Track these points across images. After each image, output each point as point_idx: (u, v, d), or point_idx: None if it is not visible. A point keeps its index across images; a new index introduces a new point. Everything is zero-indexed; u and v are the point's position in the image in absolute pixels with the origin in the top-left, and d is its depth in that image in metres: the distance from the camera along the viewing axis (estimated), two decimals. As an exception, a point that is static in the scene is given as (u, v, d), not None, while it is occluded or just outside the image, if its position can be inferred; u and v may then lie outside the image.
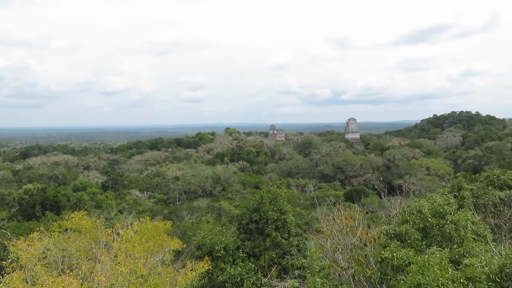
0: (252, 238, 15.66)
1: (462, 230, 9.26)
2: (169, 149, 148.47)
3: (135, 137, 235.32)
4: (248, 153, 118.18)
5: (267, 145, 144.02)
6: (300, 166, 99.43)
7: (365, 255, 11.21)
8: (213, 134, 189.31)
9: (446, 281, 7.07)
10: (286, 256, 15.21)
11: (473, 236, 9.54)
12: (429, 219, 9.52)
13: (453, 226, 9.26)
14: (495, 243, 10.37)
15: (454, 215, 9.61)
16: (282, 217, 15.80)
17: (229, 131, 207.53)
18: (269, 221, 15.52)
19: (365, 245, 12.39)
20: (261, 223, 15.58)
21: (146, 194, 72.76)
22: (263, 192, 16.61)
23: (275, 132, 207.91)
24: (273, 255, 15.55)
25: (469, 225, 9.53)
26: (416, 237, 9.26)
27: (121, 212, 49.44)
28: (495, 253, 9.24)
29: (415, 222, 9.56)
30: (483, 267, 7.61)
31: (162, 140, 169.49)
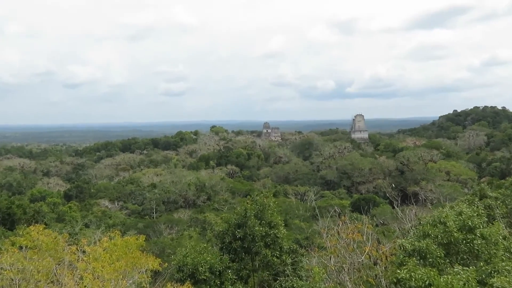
0: (237, 259, 15.26)
1: (493, 247, 9.07)
2: (145, 151, 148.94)
3: (104, 137, 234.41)
4: (237, 155, 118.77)
5: (260, 146, 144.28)
6: (299, 171, 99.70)
7: (375, 275, 10.97)
8: (196, 133, 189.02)
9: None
10: (279, 278, 14.87)
11: (504, 253, 9.35)
12: (455, 233, 9.33)
13: (483, 242, 9.07)
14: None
15: (484, 228, 9.42)
16: (272, 231, 15.45)
17: (215, 129, 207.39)
18: (256, 238, 15.20)
19: (375, 263, 12.08)
20: (246, 240, 15.22)
21: (117, 204, 72.28)
22: (247, 203, 16.28)
23: (269, 131, 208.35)
24: (264, 276, 15.18)
25: (500, 241, 9.32)
26: (438, 254, 9.05)
27: (87, 226, 49.06)
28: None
29: (437, 237, 9.36)
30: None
31: (136, 140, 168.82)
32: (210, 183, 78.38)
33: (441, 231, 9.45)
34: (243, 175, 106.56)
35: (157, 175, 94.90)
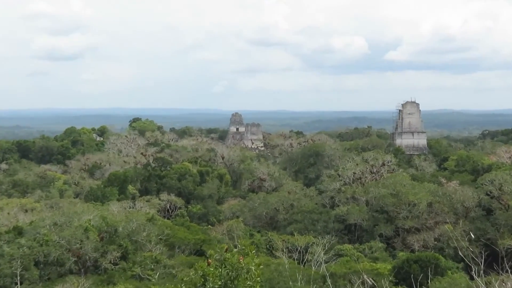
0: None
1: None
2: (4, 164, 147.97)
3: None
4: (181, 175, 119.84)
5: (224, 158, 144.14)
6: (297, 206, 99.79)
7: None
8: (103, 132, 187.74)
9: None
10: None
11: None
12: None
13: None
14: None
15: None
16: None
17: (139, 125, 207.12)
18: None
19: None
20: None
21: None
22: (210, 268, 16.53)
23: (241, 129, 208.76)
24: None
25: None
26: None
27: None
28: None
29: None
30: None
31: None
32: (128, 228, 77.28)
33: None
34: (191, 212, 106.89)
35: (26, 211, 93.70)
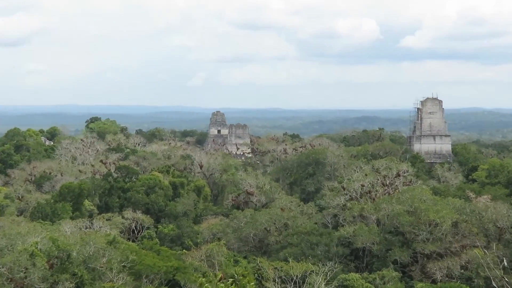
0: None
1: None
2: None
3: None
4: (150, 188, 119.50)
5: (203, 167, 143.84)
6: (293, 226, 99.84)
7: None
8: (54, 134, 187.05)
9: None
10: None
11: None
12: None
13: None
14: None
15: None
16: None
17: (98, 127, 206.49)
18: None
19: None
20: None
21: None
22: None
23: (224, 131, 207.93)
24: None
25: None
26: None
27: None
28: None
29: None
30: None
31: None
32: (84, 253, 77.06)
33: None
34: (161, 233, 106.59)
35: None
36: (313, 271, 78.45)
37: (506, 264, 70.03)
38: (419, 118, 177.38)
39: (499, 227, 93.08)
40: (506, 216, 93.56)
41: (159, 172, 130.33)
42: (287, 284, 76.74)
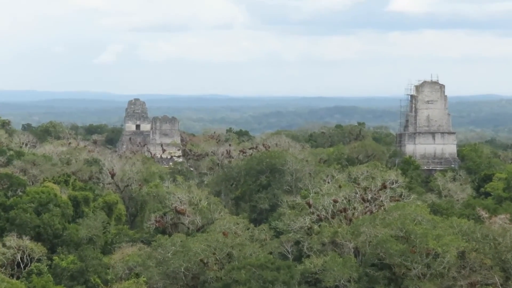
0: None
1: None
2: None
3: None
4: (41, 205, 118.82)
5: (114, 176, 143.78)
6: (239, 257, 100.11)
7: None
8: None
9: None
10: None
11: None
12: None
13: None
14: None
15: None
16: None
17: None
18: None
19: None
20: None
21: None
22: None
23: (145, 127, 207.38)
24: None
25: None
26: None
27: None
28: None
29: None
30: None
31: None
32: None
33: None
34: (57, 267, 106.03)
35: None
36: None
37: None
38: (413, 109, 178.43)
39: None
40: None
41: (54, 183, 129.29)
42: None
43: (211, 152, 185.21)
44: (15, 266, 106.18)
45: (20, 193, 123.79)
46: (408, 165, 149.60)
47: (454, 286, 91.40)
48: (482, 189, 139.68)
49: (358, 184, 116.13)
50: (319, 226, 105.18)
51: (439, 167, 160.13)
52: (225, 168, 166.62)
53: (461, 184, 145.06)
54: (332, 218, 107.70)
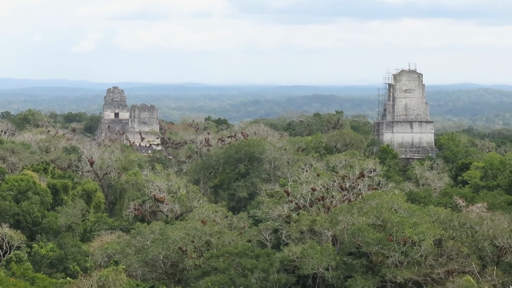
0: None
1: None
2: None
3: None
4: (20, 193, 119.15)
5: (93, 164, 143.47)
6: (218, 245, 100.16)
7: None
8: None
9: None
10: None
11: None
12: None
13: None
14: None
15: None
16: None
17: None
18: None
19: None
20: None
21: None
22: None
23: (123, 115, 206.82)
24: None
25: None
26: None
27: None
28: None
29: None
30: None
31: None
32: None
33: None
34: (37, 254, 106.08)
35: None
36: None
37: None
38: (391, 98, 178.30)
39: (497, 246, 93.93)
40: (507, 231, 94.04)
41: (33, 171, 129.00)
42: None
43: (190, 140, 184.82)
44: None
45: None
46: (386, 154, 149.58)
47: (431, 274, 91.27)
48: (459, 178, 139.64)
49: (336, 172, 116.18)
50: (298, 214, 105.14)
51: (417, 156, 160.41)
52: (203, 156, 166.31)
53: (438, 173, 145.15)
54: (310, 206, 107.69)
